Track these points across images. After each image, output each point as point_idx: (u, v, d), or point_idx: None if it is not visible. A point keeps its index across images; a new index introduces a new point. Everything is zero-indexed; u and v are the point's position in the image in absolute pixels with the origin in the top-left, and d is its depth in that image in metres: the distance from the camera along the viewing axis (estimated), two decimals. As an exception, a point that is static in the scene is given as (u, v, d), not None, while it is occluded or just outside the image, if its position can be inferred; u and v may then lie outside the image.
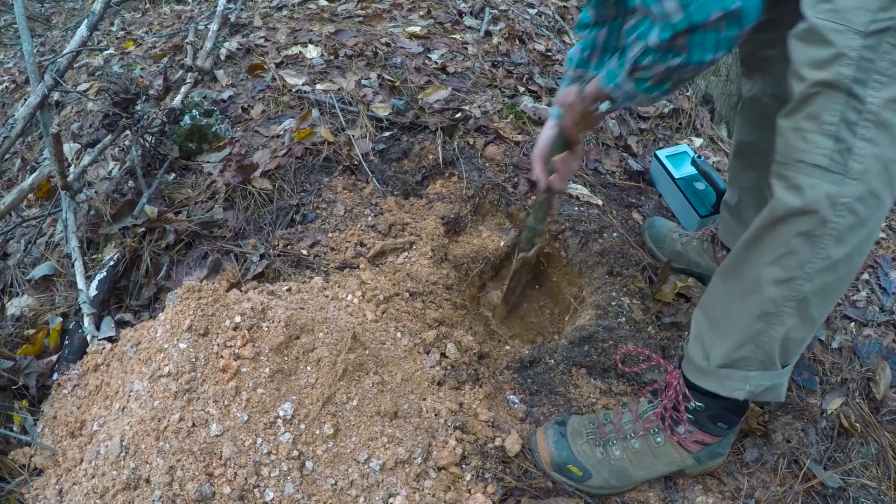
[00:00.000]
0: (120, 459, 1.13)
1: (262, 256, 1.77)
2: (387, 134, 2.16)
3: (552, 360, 1.49)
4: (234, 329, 1.26)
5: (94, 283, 1.61)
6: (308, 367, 1.28)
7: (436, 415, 1.30)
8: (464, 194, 2.00)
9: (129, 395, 1.21)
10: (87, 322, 1.43)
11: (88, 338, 1.41)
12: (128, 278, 1.71)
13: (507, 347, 1.58)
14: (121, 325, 1.58)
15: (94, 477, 1.14)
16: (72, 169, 1.86)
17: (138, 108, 1.93)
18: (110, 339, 1.49)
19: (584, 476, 1.22)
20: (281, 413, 1.19)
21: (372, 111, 2.24)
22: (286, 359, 1.27)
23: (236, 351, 1.23)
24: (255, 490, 1.11)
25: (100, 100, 2.26)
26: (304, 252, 1.76)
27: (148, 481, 1.10)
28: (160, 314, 1.35)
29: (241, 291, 1.61)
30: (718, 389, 1.09)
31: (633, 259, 1.72)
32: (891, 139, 0.85)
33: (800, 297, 0.95)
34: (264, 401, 1.20)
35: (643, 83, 1.03)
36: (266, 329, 1.30)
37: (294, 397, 1.23)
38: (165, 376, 1.20)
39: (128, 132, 1.87)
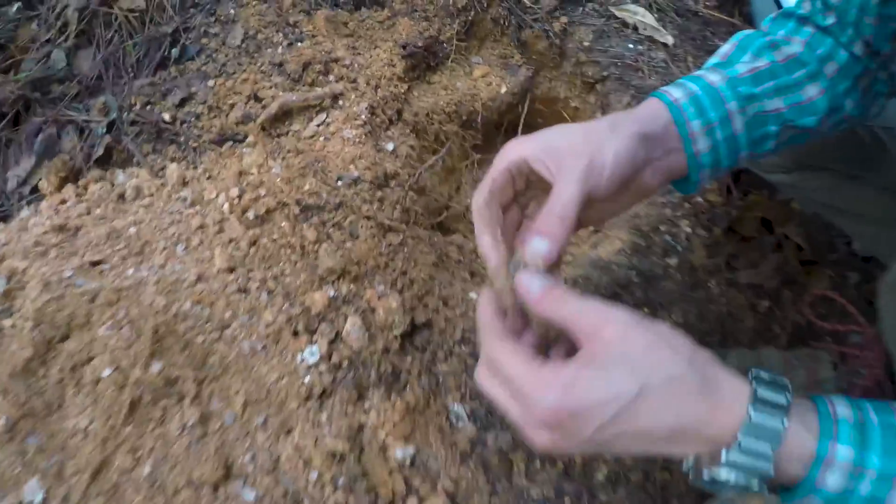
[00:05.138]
0: None
1: (110, 126, 1.15)
2: None
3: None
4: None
5: None
6: (81, 397, 0.74)
7: (305, 464, 0.76)
8: (451, 3, 1.22)
9: None
10: None
11: None
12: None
13: (472, 296, 0.94)
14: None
15: None
16: None
17: None
18: None
19: None
20: (27, 498, 0.70)
21: None
22: (43, 384, 0.74)
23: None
24: None
25: None
26: (167, 117, 1.11)
27: None
28: None
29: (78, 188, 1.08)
30: None
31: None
32: None
33: None
34: (4, 475, 0.70)
35: None
36: (10, 333, 0.75)
37: (53, 460, 0.71)
38: None
39: None
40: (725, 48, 0.69)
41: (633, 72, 1.25)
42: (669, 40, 1.29)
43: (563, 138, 0.55)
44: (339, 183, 0.94)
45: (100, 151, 1.12)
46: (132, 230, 0.90)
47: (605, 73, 1.26)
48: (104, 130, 1.14)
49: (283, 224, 0.89)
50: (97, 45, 1.28)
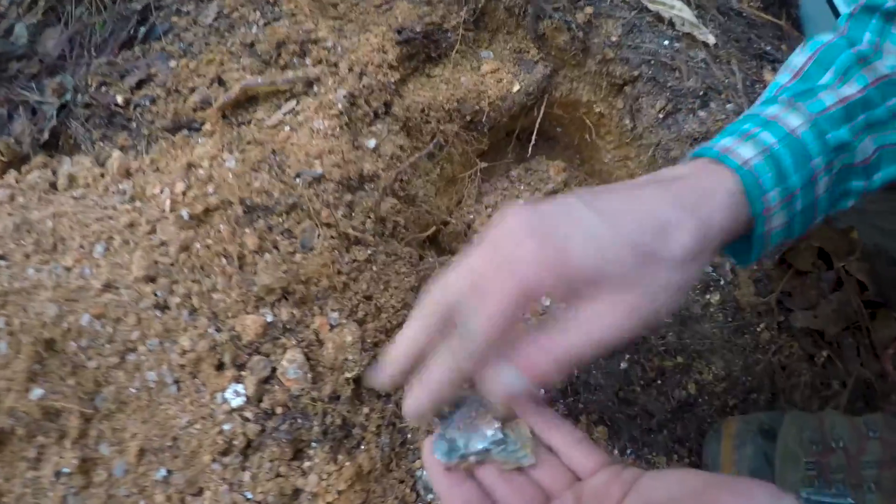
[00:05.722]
0: None
1: (62, 108, 1.01)
2: None
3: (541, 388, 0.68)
4: None
5: None
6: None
7: (211, 537, 0.58)
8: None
9: None
10: None
11: None
12: None
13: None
14: None
15: None
16: None
17: None
18: None
19: None
20: None
21: None
22: None
23: None
24: None
25: None
26: (120, 100, 0.98)
27: None
28: None
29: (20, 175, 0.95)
30: None
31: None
32: None
33: None
34: None
35: None
36: None
37: None
38: None
39: None
40: (799, 60, 0.50)
41: (669, 72, 1.07)
42: (711, 39, 1.11)
43: (597, 255, 0.35)
44: (298, 181, 0.78)
45: (46, 136, 0.98)
46: (48, 223, 0.75)
47: (635, 73, 1.09)
48: (55, 113, 1.01)
49: (221, 227, 0.73)
50: (65, 23, 1.15)
